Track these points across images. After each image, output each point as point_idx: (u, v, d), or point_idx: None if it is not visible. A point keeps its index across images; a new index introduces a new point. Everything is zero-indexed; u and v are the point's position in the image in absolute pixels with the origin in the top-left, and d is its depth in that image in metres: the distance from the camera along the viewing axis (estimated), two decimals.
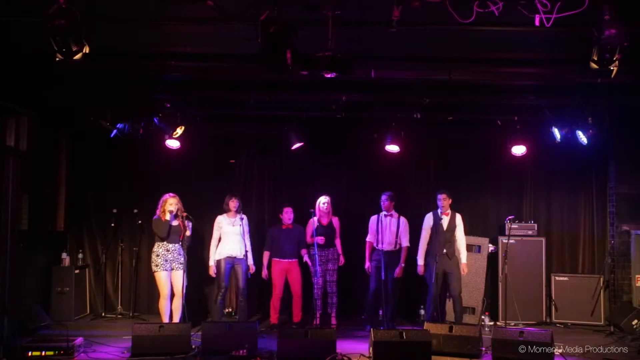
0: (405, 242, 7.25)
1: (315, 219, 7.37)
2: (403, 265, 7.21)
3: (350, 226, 7.68)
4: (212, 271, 7.02)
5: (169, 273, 6.50)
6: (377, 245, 7.24)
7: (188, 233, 6.59)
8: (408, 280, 7.84)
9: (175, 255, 6.53)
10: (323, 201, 7.36)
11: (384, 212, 7.29)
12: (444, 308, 7.35)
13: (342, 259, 7.45)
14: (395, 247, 7.22)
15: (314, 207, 7.27)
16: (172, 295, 6.52)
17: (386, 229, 7.25)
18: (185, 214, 6.61)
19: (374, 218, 7.37)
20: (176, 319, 6.50)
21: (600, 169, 8.25)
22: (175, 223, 6.59)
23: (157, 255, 6.50)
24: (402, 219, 7.31)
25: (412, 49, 5.66)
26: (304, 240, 7.41)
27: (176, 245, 6.55)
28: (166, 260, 6.49)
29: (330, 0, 4.38)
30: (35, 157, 6.86)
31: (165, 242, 6.53)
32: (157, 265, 6.48)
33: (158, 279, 6.51)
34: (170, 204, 6.56)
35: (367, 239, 7.39)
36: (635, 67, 5.32)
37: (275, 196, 8.37)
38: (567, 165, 8.18)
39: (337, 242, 7.47)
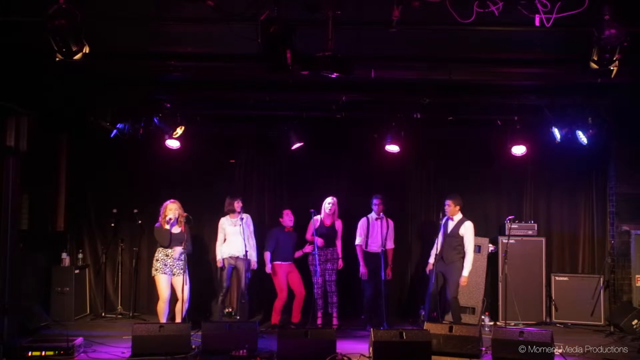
0: (390, 244, 7.30)
1: (319, 217, 7.37)
2: (391, 265, 7.29)
3: (350, 226, 7.66)
4: (221, 264, 7.01)
5: (168, 277, 6.54)
6: (365, 248, 7.25)
7: (188, 251, 6.61)
8: (408, 281, 7.86)
9: (175, 260, 6.54)
10: (329, 201, 7.36)
11: (374, 215, 7.29)
12: (445, 307, 7.34)
13: (341, 263, 7.44)
14: (382, 248, 7.21)
15: (314, 207, 7.26)
16: (175, 299, 6.57)
17: (377, 231, 7.27)
18: (185, 214, 6.63)
19: (363, 220, 7.37)
20: (178, 321, 6.53)
21: (600, 169, 8.24)
22: (176, 230, 6.60)
23: (157, 260, 6.59)
24: (390, 222, 7.35)
25: (412, 49, 5.67)
26: (298, 244, 7.44)
27: (177, 249, 6.55)
28: (165, 265, 6.54)
29: (330, 0, 4.38)
30: (35, 157, 6.85)
31: (165, 248, 6.58)
32: (156, 270, 6.57)
33: (157, 282, 6.58)
34: (170, 209, 6.61)
35: (357, 243, 7.38)
36: (635, 67, 5.31)
37: (275, 196, 8.37)
38: (567, 165, 8.17)
39: (338, 244, 7.47)
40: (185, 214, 6.66)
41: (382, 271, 7.09)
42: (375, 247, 7.24)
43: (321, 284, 7.34)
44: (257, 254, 7.24)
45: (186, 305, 6.57)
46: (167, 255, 6.56)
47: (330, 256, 7.40)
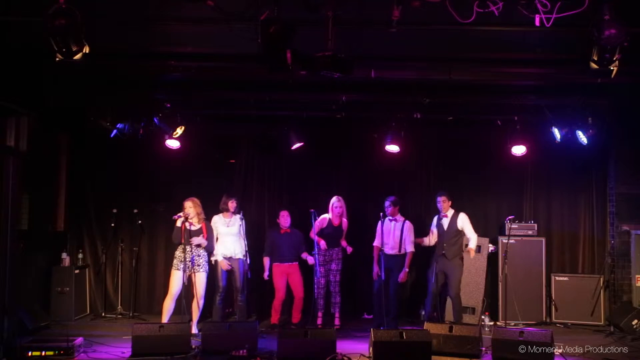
0: (409, 247, 7.17)
1: (327, 216, 7.36)
2: (407, 270, 7.17)
3: (350, 226, 7.66)
4: (226, 264, 6.97)
5: (182, 273, 6.55)
6: (382, 249, 7.23)
7: (200, 242, 6.70)
8: (408, 281, 7.84)
9: (193, 257, 6.57)
10: (336, 205, 7.33)
11: (388, 217, 7.27)
12: (444, 307, 7.34)
13: (349, 249, 7.35)
14: (399, 251, 7.18)
15: (314, 207, 7.24)
16: (190, 296, 6.62)
17: (389, 233, 7.22)
18: (201, 217, 6.77)
19: (380, 221, 7.31)
20: (195, 319, 6.66)
21: (600, 169, 8.24)
22: (195, 227, 6.67)
23: (175, 257, 6.68)
24: (407, 224, 7.26)
25: (412, 49, 5.67)
26: (303, 245, 7.43)
27: (194, 247, 6.61)
28: (181, 261, 6.55)
29: (330, 0, 4.38)
30: (35, 157, 6.86)
31: (183, 244, 6.59)
32: (173, 266, 6.68)
33: (171, 278, 6.68)
34: (184, 207, 6.70)
35: (374, 244, 7.35)
36: (635, 67, 5.32)
37: (275, 196, 8.37)
38: (567, 165, 8.18)
39: (343, 242, 7.44)
40: (197, 211, 6.71)
41: (395, 273, 7.07)
42: (388, 248, 7.18)
43: (324, 285, 7.34)
44: (251, 256, 7.20)
45: (201, 303, 6.67)
46: (184, 252, 6.56)
47: (335, 256, 7.38)
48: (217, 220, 7.09)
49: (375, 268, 7.24)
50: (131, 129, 7.00)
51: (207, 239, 6.77)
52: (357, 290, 8.05)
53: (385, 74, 6.01)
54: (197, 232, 6.69)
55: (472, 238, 7.11)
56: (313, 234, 7.19)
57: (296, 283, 7.38)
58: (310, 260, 7.25)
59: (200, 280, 6.67)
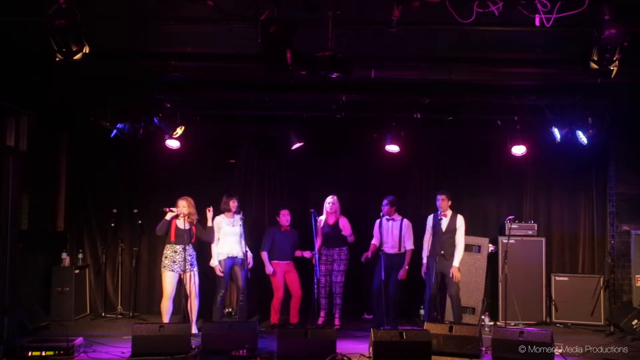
0: (408, 245, 7.19)
1: (322, 218, 7.37)
2: (407, 267, 7.16)
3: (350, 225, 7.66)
4: (219, 270, 6.99)
5: (176, 274, 6.55)
6: (381, 248, 7.22)
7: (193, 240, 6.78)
8: (408, 281, 7.84)
9: (185, 256, 6.56)
10: (329, 201, 7.36)
11: (385, 216, 7.28)
12: (444, 307, 7.34)
13: (351, 238, 7.32)
14: (399, 250, 7.19)
15: (314, 207, 7.24)
16: (186, 296, 6.63)
17: (388, 232, 7.23)
18: (189, 212, 6.68)
19: (377, 222, 7.33)
20: (193, 318, 6.67)
21: (600, 169, 8.24)
22: (185, 226, 6.65)
23: (165, 257, 6.64)
24: (405, 222, 7.27)
25: (412, 49, 5.67)
26: (299, 244, 7.47)
27: (186, 246, 6.59)
28: (174, 262, 6.55)
29: (330, 0, 4.38)
30: (35, 157, 6.86)
31: (173, 244, 6.61)
32: (164, 267, 6.62)
33: (163, 279, 6.63)
34: (177, 205, 6.68)
35: (372, 242, 7.35)
36: (635, 67, 5.32)
37: (275, 196, 8.38)
38: (567, 165, 8.18)
39: (349, 239, 7.39)
40: (190, 211, 6.69)
41: (396, 271, 7.07)
42: (388, 247, 7.18)
43: (324, 284, 7.35)
44: (253, 254, 7.28)
45: (197, 302, 6.66)
46: (175, 252, 6.57)
47: (337, 257, 7.38)
48: (221, 221, 7.08)
49: (367, 254, 7.24)
50: (131, 129, 7.00)
51: (196, 241, 6.81)
52: (358, 290, 8.04)
53: (385, 74, 6.01)
54: (187, 232, 6.64)
55: (457, 254, 6.90)
56: (317, 244, 7.16)
57: (294, 281, 7.39)
58: (307, 254, 7.32)
59: (194, 279, 6.66)
